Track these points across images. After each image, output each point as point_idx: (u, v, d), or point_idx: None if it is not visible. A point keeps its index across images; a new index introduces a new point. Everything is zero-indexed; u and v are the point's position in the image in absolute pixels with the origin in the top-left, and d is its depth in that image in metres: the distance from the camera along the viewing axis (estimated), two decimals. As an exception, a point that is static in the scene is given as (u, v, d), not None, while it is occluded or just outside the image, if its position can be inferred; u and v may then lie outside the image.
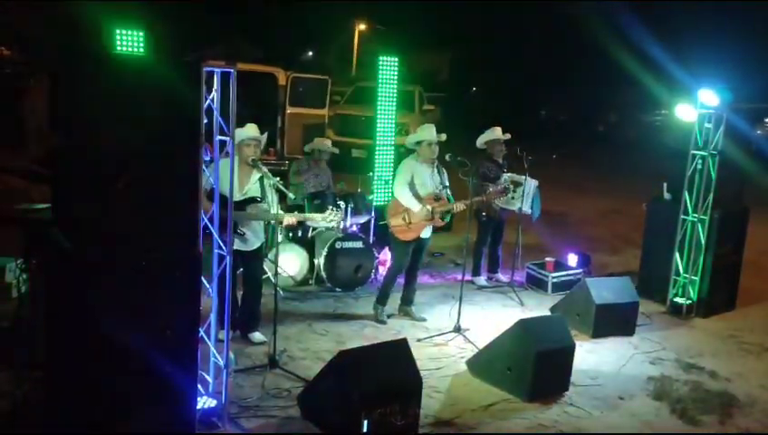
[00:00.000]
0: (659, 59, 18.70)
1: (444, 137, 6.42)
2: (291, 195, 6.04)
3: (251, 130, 5.62)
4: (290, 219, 5.76)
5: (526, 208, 7.54)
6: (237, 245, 5.64)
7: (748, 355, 6.40)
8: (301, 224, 7.27)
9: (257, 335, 5.83)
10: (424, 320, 6.60)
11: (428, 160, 6.36)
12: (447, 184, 6.47)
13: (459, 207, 6.34)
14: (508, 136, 7.74)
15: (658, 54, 18.89)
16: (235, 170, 5.63)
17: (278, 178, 5.60)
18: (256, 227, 5.72)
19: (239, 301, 5.92)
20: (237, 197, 5.61)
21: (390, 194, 6.88)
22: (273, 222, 6.07)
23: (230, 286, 4.55)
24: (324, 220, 5.78)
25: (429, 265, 8.44)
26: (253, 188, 5.66)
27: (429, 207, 6.24)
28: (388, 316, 6.55)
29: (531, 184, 7.51)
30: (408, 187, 6.28)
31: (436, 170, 6.44)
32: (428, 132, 6.37)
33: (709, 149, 7.02)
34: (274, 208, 5.65)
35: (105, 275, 3.65)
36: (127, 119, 3.58)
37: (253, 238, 5.71)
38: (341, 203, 7.31)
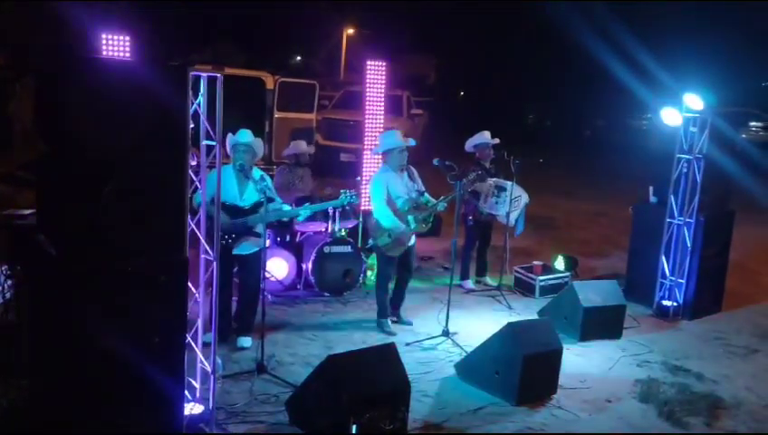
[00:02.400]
0: (645, 63, 18.86)
1: (412, 141, 6.38)
2: (278, 199, 6.03)
3: (241, 135, 5.64)
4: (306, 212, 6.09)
5: (512, 221, 7.55)
6: (236, 250, 5.65)
7: (734, 357, 6.45)
8: (287, 227, 7.27)
9: (243, 340, 5.81)
10: (410, 324, 6.60)
11: (399, 167, 6.24)
12: (423, 189, 6.37)
13: (440, 206, 6.27)
14: (497, 140, 7.76)
15: (644, 59, 19.05)
16: (233, 177, 5.66)
17: (266, 183, 5.59)
18: (258, 230, 5.72)
19: (233, 306, 5.91)
20: (240, 203, 5.62)
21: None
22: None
23: (217, 291, 4.53)
24: (342, 202, 6.22)
25: (418, 270, 8.46)
26: (255, 191, 5.66)
27: (411, 217, 6.17)
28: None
29: (522, 196, 7.53)
30: (387, 203, 6.16)
31: (407, 176, 6.33)
32: (396, 138, 6.25)
33: (694, 152, 7.08)
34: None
35: (90, 282, 3.62)
36: (113, 124, 3.56)
37: (251, 243, 5.70)
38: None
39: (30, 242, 3.87)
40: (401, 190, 6.23)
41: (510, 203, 7.44)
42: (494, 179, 7.57)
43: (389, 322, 6.46)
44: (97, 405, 3.69)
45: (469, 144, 7.82)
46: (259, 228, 5.68)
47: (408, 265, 6.51)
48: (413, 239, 6.41)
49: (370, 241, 6.40)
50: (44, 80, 3.73)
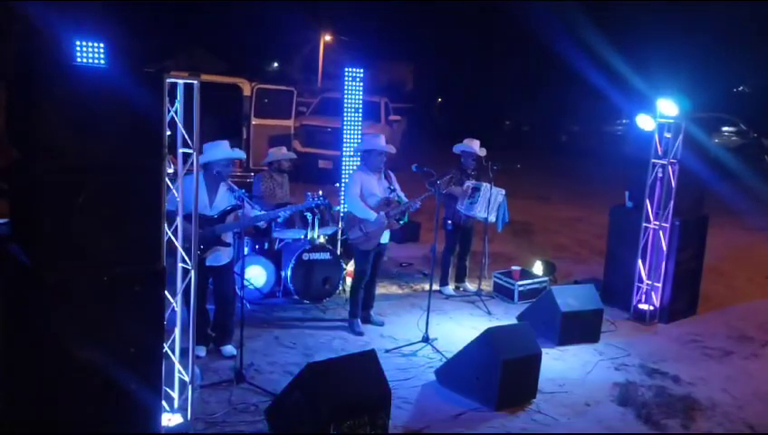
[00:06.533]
0: (619, 69, 19.08)
1: (393, 149, 6.52)
2: (256, 207, 5.99)
3: (226, 148, 5.59)
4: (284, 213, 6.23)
5: (492, 218, 7.60)
6: (208, 261, 5.58)
7: (710, 360, 6.53)
8: (266, 235, 7.22)
9: (229, 348, 5.77)
10: (382, 324, 6.69)
11: (376, 169, 6.43)
12: (396, 187, 6.53)
13: (413, 205, 6.42)
14: (484, 152, 7.76)
15: (618, 64, 19.28)
16: (202, 186, 5.60)
17: (243, 190, 5.55)
18: (227, 240, 5.66)
19: (210, 315, 5.86)
20: (210, 212, 5.55)
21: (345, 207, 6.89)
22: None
23: (195, 301, 4.48)
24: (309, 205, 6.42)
25: (397, 276, 8.46)
26: (225, 199, 5.62)
27: (383, 212, 6.31)
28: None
29: (497, 194, 7.58)
30: (359, 199, 6.33)
31: (383, 176, 6.51)
32: (377, 141, 6.46)
33: (669, 157, 7.18)
34: None
35: (65, 292, 3.56)
36: (88, 131, 3.51)
37: (223, 253, 5.65)
38: (308, 214, 7.28)
39: (3, 252, 3.80)
40: (375, 190, 6.41)
41: (488, 205, 7.47)
42: (472, 181, 7.61)
43: (359, 322, 6.53)
44: (73, 416, 3.63)
45: (457, 147, 7.82)
46: (228, 237, 5.65)
47: (375, 266, 6.59)
48: (386, 237, 6.47)
49: (345, 235, 6.54)
50: (17, 86, 3.67)
